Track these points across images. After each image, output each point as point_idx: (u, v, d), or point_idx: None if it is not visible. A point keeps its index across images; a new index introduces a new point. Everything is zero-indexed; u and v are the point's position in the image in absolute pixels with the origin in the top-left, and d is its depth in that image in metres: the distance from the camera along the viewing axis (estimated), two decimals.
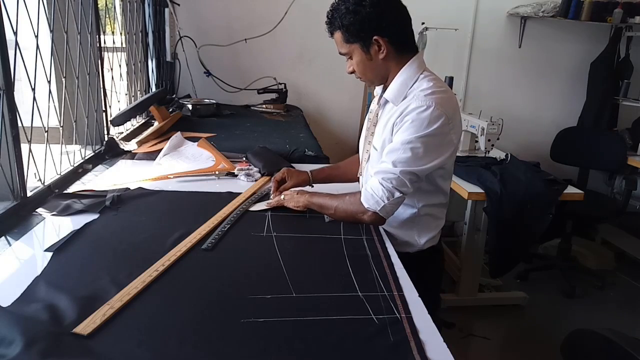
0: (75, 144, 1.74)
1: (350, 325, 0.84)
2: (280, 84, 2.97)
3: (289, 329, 0.82)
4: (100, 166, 1.72)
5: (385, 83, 1.34)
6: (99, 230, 1.16)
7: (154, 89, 2.72)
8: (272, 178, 1.49)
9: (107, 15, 2.03)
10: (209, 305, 0.88)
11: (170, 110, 2.57)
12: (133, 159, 1.81)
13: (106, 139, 1.87)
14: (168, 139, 1.89)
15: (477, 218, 2.62)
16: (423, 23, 3.11)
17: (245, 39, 3.03)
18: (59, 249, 1.04)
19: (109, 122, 1.89)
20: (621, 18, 3.25)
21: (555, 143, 3.44)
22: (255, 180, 1.63)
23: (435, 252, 1.45)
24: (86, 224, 1.17)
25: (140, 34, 2.46)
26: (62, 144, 1.56)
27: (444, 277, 2.31)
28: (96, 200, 1.31)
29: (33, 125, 1.33)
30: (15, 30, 1.21)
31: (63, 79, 1.59)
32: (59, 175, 1.48)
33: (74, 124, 1.68)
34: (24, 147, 1.26)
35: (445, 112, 1.20)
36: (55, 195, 1.37)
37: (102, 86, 1.84)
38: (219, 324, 0.82)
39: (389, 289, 0.97)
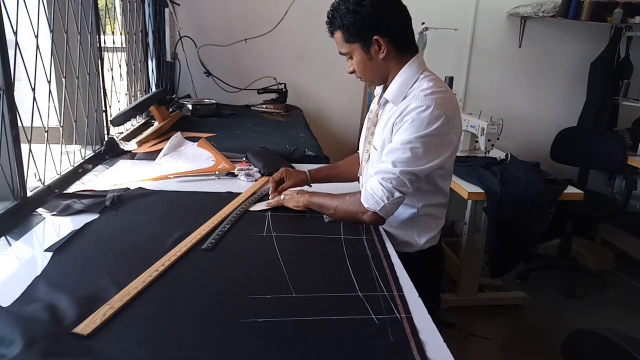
0: (75, 144, 1.74)
1: (350, 325, 0.84)
2: (280, 84, 2.97)
3: (289, 329, 0.82)
4: (100, 166, 1.72)
5: (385, 83, 1.34)
6: (99, 230, 1.16)
7: (154, 89, 2.72)
8: (270, 178, 1.48)
9: (107, 15, 2.03)
10: (209, 305, 0.88)
11: (170, 110, 2.57)
12: (133, 159, 1.81)
13: (106, 139, 1.87)
14: (168, 139, 1.89)
15: (477, 218, 2.62)
16: (423, 23, 3.11)
17: (245, 39, 3.03)
18: (59, 249, 1.04)
19: (109, 122, 1.89)
20: (621, 18, 3.25)
21: (555, 143, 3.44)
22: (255, 180, 1.62)
23: (435, 252, 1.45)
24: (86, 224, 1.17)
25: (140, 34, 2.46)
26: (62, 144, 1.56)
27: (444, 277, 2.31)
28: (96, 200, 1.31)
29: (33, 125, 1.33)
30: (15, 30, 1.21)
31: (63, 79, 1.59)
32: (59, 175, 1.48)
33: (74, 124, 1.68)
34: (24, 147, 1.26)
35: (445, 112, 1.20)
36: (55, 195, 1.37)
37: (102, 86, 1.84)
38: (219, 324, 0.82)
39: (389, 289, 0.97)
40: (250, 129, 2.35)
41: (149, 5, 2.59)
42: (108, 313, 0.81)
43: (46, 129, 1.44)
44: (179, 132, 1.96)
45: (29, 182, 1.29)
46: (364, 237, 1.22)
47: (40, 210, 1.26)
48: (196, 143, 1.89)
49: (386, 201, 1.21)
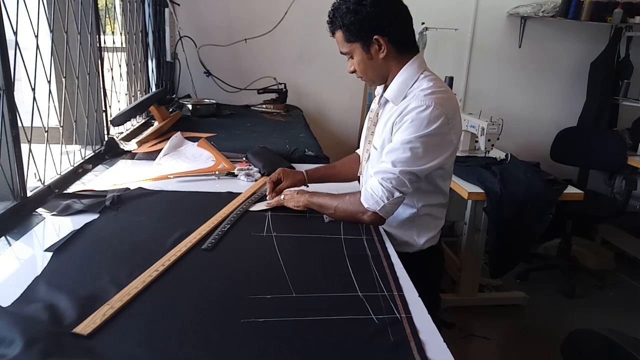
0: (75, 144, 1.74)
1: (350, 325, 0.84)
2: (280, 84, 2.97)
3: (289, 329, 0.82)
4: (100, 166, 1.72)
5: (386, 83, 1.34)
6: (99, 230, 1.16)
7: (154, 89, 2.72)
8: (268, 179, 1.48)
9: (107, 15, 2.03)
10: (209, 305, 0.88)
11: (170, 110, 2.57)
12: (133, 159, 1.81)
13: (106, 139, 1.87)
14: (168, 139, 1.89)
15: (477, 218, 2.62)
16: (423, 23, 3.11)
17: (245, 39, 3.03)
18: (59, 249, 1.04)
19: (109, 122, 1.89)
20: (621, 18, 3.25)
21: (555, 143, 3.44)
22: (255, 180, 1.62)
23: (435, 252, 1.45)
24: (86, 224, 1.17)
25: (140, 34, 2.46)
26: (62, 144, 1.56)
27: (444, 277, 2.31)
28: (96, 200, 1.31)
29: (33, 125, 1.33)
30: (15, 30, 1.21)
31: (63, 79, 1.59)
32: (59, 175, 1.48)
33: (74, 124, 1.68)
34: (24, 147, 1.26)
35: (444, 112, 1.20)
36: (55, 195, 1.37)
37: (102, 86, 1.84)
38: (219, 324, 0.82)
39: (389, 289, 0.97)
40: (250, 129, 2.35)
41: (149, 5, 2.59)
42: (108, 313, 0.81)
43: (46, 129, 1.44)
44: (179, 132, 1.96)
45: (29, 182, 1.29)
46: (364, 237, 1.22)
47: (40, 210, 1.26)
48: (196, 143, 1.89)
49: (386, 201, 1.21)
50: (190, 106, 2.58)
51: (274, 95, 2.97)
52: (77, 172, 1.61)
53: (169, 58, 2.85)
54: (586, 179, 3.51)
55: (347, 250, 1.14)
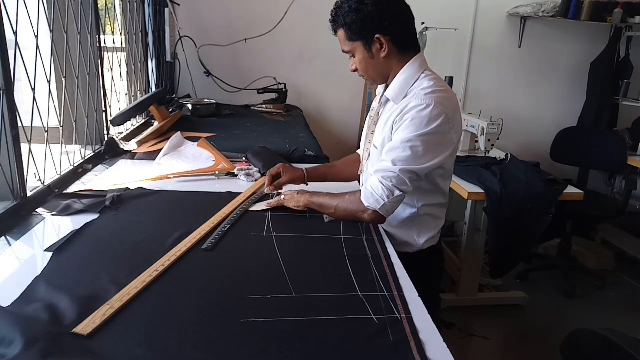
0: (75, 144, 1.74)
1: (350, 325, 0.84)
2: (280, 84, 2.97)
3: (289, 329, 0.82)
4: (100, 166, 1.72)
5: (387, 82, 1.34)
6: (99, 230, 1.16)
7: (154, 89, 2.72)
8: (267, 172, 1.48)
9: (107, 15, 2.03)
10: (209, 305, 0.88)
11: (170, 110, 2.57)
12: (133, 159, 1.81)
13: (106, 139, 1.87)
14: (168, 139, 1.89)
15: (477, 218, 2.62)
16: (423, 23, 3.10)
17: (245, 39, 3.03)
18: (59, 249, 1.04)
19: (109, 122, 1.89)
20: (621, 18, 3.25)
21: (555, 143, 3.44)
22: (255, 180, 1.63)
23: (435, 252, 1.45)
24: (86, 224, 1.17)
25: (140, 34, 2.46)
26: (62, 144, 1.56)
27: (444, 277, 2.31)
28: (96, 200, 1.31)
29: (33, 125, 1.33)
30: (15, 30, 1.21)
31: (63, 79, 1.59)
32: (59, 175, 1.48)
33: (74, 124, 1.68)
34: (24, 147, 1.26)
35: (445, 111, 1.20)
36: (55, 195, 1.37)
37: (102, 86, 1.84)
38: (219, 324, 0.82)
39: (389, 289, 0.97)
40: (250, 129, 2.35)
41: (149, 5, 2.59)
42: (108, 313, 0.81)
43: (46, 129, 1.44)
44: (179, 132, 1.96)
45: (29, 182, 1.29)
46: (364, 237, 1.22)
47: (40, 210, 1.26)
48: (196, 143, 1.89)
49: (386, 200, 1.21)
50: (190, 106, 2.58)
51: (274, 95, 2.97)
52: (77, 172, 1.61)
53: (169, 58, 2.85)
54: (586, 179, 3.51)
55: (347, 250, 1.14)
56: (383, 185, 1.20)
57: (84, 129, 1.74)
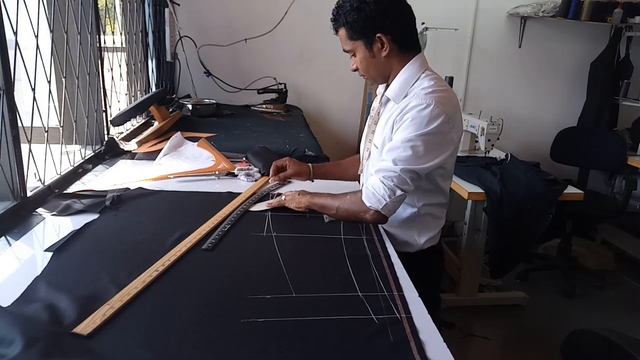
0: (75, 144, 1.74)
1: (350, 325, 0.84)
2: (280, 84, 2.97)
3: (289, 329, 0.82)
4: (100, 166, 1.72)
5: (387, 81, 1.34)
6: (99, 230, 1.16)
7: (154, 89, 2.71)
8: (273, 163, 1.51)
9: (107, 15, 2.03)
10: (209, 305, 0.88)
11: (170, 110, 2.57)
12: (133, 159, 1.81)
13: (106, 139, 1.87)
14: (168, 139, 1.89)
15: (477, 218, 2.62)
16: (423, 23, 3.11)
17: (245, 39, 3.03)
18: (59, 249, 1.04)
19: (109, 122, 1.89)
20: (621, 18, 3.25)
21: (555, 143, 3.44)
22: (255, 180, 1.62)
23: (435, 252, 1.45)
24: (86, 224, 1.17)
25: (140, 34, 2.46)
26: (62, 144, 1.56)
27: (444, 277, 2.31)
28: (96, 200, 1.31)
29: (33, 125, 1.33)
30: (15, 30, 1.21)
31: (63, 79, 1.59)
32: (59, 175, 1.48)
33: (74, 124, 1.68)
34: (24, 147, 1.26)
35: (445, 111, 1.20)
36: (55, 195, 1.37)
37: (102, 86, 1.84)
38: (219, 324, 0.82)
39: (389, 289, 0.97)
40: (250, 129, 2.35)
41: (149, 5, 2.59)
42: (108, 313, 0.81)
43: (46, 129, 1.44)
44: (179, 132, 1.96)
45: (29, 182, 1.29)
46: (364, 237, 1.22)
47: (40, 210, 1.26)
48: (196, 143, 1.89)
49: (388, 199, 1.21)
50: (190, 106, 2.58)
51: (274, 95, 2.97)
52: (77, 172, 1.61)
53: (169, 58, 2.85)
54: (586, 179, 3.51)
55: (347, 250, 1.14)
56: (384, 185, 1.20)
57: (84, 129, 1.74)
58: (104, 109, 1.86)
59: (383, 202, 1.21)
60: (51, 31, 1.46)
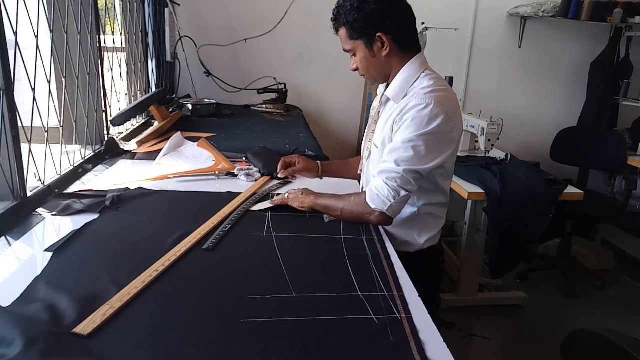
0: (75, 144, 1.74)
1: (350, 325, 0.84)
2: (280, 84, 2.97)
3: (289, 329, 0.82)
4: (100, 166, 1.72)
5: (388, 81, 1.34)
6: (99, 230, 1.16)
7: (154, 89, 2.71)
8: (282, 159, 1.54)
9: (107, 15, 2.03)
10: (209, 305, 0.88)
11: (170, 110, 2.57)
12: (133, 159, 1.81)
13: (106, 139, 1.87)
14: (168, 139, 1.89)
15: (477, 218, 2.62)
16: (423, 23, 3.11)
17: (245, 39, 3.03)
18: (59, 249, 1.04)
19: (109, 122, 1.89)
20: (621, 18, 3.25)
21: (555, 143, 3.44)
22: (255, 180, 1.63)
23: (436, 252, 1.45)
24: (86, 224, 1.17)
25: (140, 34, 2.46)
26: (62, 144, 1.56)
27: (444, 277, 2.31)
28: (96, 200, 1.31)
29: (33, 125, 1.33)
30: (15, 30, 1.21)
31: (63, 79, 1.59)
32: (59, 175, 1.48)
33: (74, 124, 1.68)
34: (24, 147, 1.26)
35: (444, 110, 1.20)
36: (55, 195, 1.37)
37: (102, 86, 1.84)
38: (219, 324, 0.82)
39: (389, 289, 0.97)
40: (250, 129, 2.35)
41: (149, 5, 2.59)
42: (108, 313, 0.81)
43: (46, 129, 1.44)
44: (179, 132, 1.96)
45: (29, 182, 1.29)
46: (364, 237, 1.22)
47: (40, 210, 1.26)
48: (196, 143, 1.89)
49: (392, 200, 1.20)
50: (190, 106, 2.58)
51: (274, 95, 2.97)
52: (77, 172, 1.61)
53: (169, 58, 2.85)
54: (586, 179, 3.51)
55: (347, 250, 1.14)
56: (388, 186, 1.20)
57: (84, 129, 1.74)
58: (104, 109, 1.86)
59: (388, 203, 1.21)
60: (51, 31, 1.46)
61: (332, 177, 1.62)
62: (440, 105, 1.20)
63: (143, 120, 2.42)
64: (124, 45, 2.27)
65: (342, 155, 1.70)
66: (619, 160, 3.18)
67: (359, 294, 0.95)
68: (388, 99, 1.33)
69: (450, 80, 3.09)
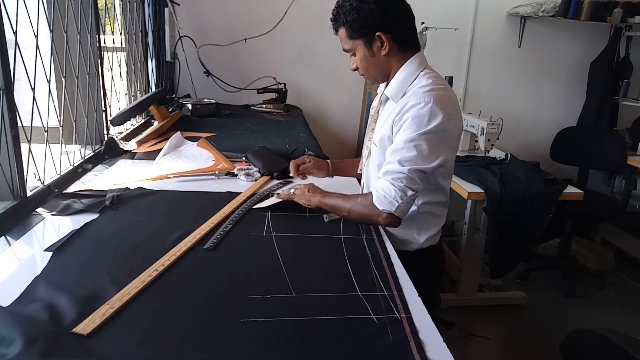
0: (75, 144, 1.74)
1: (350, 325, 0.84)
2: (280, 84, 2.97)
3: (289, 329, 0.82)
4: (100, 166, 1.72)
5: (388, 80, 1.34)
6: (99, 230, 1.16)
7: (154, 89, 2.71)
8: (292, 162, 1.57)
9: (107, 15, 2.03)
10: (209, 305, 0.88)
11: (170, 110, 2.56)
12: (133, 159, 1.81)
13: (106, 139, 1.87)
14: (168, 139, 1.89)
15: (477, 218, 2.62)
16: (423, 23, 3.10)
17: (245, 39, 3.03)
18: (59, 249, 1.04)
19: (109, 122, 1.89)
20: (621, 18, 3.25)
21: (555, 143, 3.44)
22: (255, 180, 1.63)
23: (436, 252, 1.45)
24: (86, 224, 1.17)
25: (140, 34, 2.46)
26: (62, 144, 1.56)
27: (444, 277, 2.31)
28: (96, 200, 1.31)
29: (33, 125, 1.33)
30: (15, 30, 1.21)
31: (63, 79, 1.59)
32: (59, 175, 1.48)
33: (74, 124, 1.68)
34: (24, 147, 1.26)
35: (444, 109, 1.21)
36: (55, 195, 1.37)
37: (102, 86, 1.84)
38: (219, 324, 0.82)
39: (389, 289, 0.97)
40: (250, 129, 2.35)
41: (149, 5, 2.59)
42: (108, 313, 0.81)
43: (46, 129, 1.44)
44: (179, 132, 1.96)
45: (29, 182, 1.29)
46: (364, 237, 1.22)
47: (40, 210, 1.26)
48: (196, 143, 1.89)
49: (400, 201, 1.20)
50: (190, 106, 2.58)
51: (274, 95, 2.97)
52: (77, 172, 1.61)
53: (169, 58, 2.85)
54: (586, 179, 3.51)
55: (347, 250, 1.14)
56: (395, 186, 1.20)
57: (84, 129, 1.74)
58: (104, 109, 1.86)
59: (396, 204, 1.21)
60: (51, 31, 1.46)
61: (343, 176, 1.63)
62: (439, 103, 1.20)
63: (143, 120, 2.42)
64: (124, 45, 2.27)
65: (342, 155, 1.70)
66: (619, 160, 3.18)
67: (359, 294, 0.95)
68: (387, 98, 1.33)
69: (450, 80, 3.09)
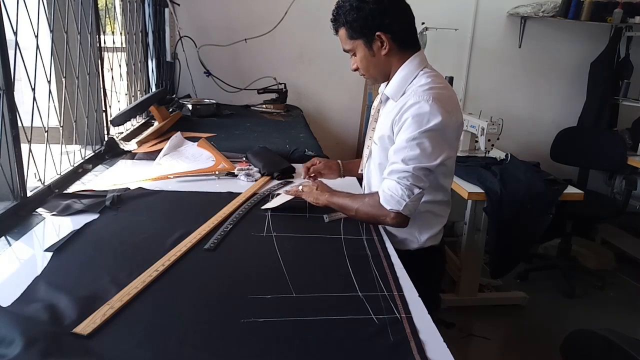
0: (75, 144, 1.74)
1: (350, 325, 0.84)
2: (280, 84, 2.97)
3: (289, 329, 0.82)
4: (100, 166, 1.72)
5: (388, 80, 1.34)
6: (99, 230, 1.16)
7: (154, 89, 2.71)
8: (303, 165, 1.59)
9: (107, 15, 2.03)
10: (209, 305, 0.88)
11: (170, 110, 2.57)
12: (133, 159, 1.81)
13: (106, 139, 1.87)
14: (168, 139, 1.89)
15: (477, 218, 2.62)
16: (423, 23, 3.11)
17: (245, 39, 3.03)
18: (59, 249, 1.04)
19: (109, 122, 1.89)
20: (621, 18, 3.25)
21: (555, 143, 3.44)
22: (255, 180, 1.63)
23: (437, 252, 1.45)
24: (86, 224, 1.17)
25: (140, 34, 2.46)
26: (62, 144, 1.56)
27: (444, 277, 2.31)
28: (96, 200, 1.31)
29: (33, 125, 1.33)
30: (15, 30, 1.21)
31: (63, 79, 1.59)
32: (59, 175, 1.48)
33: (74, 124, 1.68)
34: (24, 147, 1.26)
35: (443, 107, 1.21)
36: (55, 195, 1.37)
37: (102, 86, 1.84)
38: (219, 324, 0.82)
39: (389, 289, 0.97)
40: (250, 129, 2.35)
41: (149, 5, 2.59)
42: (108, 313, 0.81)
43: (46, 129, 1.44)
44: (179, 132, 1.96)
45: (29, 182, 1.29)
46: (364, 237, 1.22)
47: (40, 210, 1.26)
48: (196, 143, 1.89)
49: (407, 199, 1.20)
50: (190, 106, 2.58)
51: (274, 95, 2.97)
52: (77, 172, 1.61)
53: (169, 58, 2.85)
54: (586, 179, 3.51)
55: (347, 250, 1.14)
56: (401, 185, 1.20)
57: (84, 129, 1.74)
58: (104, 109, 1.86)
59: (403, 202, 1.21)
60: (51, 31, 1.46)
61: (353, 176, 1.64)
62: (439, 101, 1.21)
63: (143, 120, 2.42)
64: (124, 45, 2.27)
65: (342, 155, 1.70)
66: (619, 160, 3.18)
67: (359, 294, 0.95)
68: (387, 98, 1.34)
69: (450, 80, 3.09)
